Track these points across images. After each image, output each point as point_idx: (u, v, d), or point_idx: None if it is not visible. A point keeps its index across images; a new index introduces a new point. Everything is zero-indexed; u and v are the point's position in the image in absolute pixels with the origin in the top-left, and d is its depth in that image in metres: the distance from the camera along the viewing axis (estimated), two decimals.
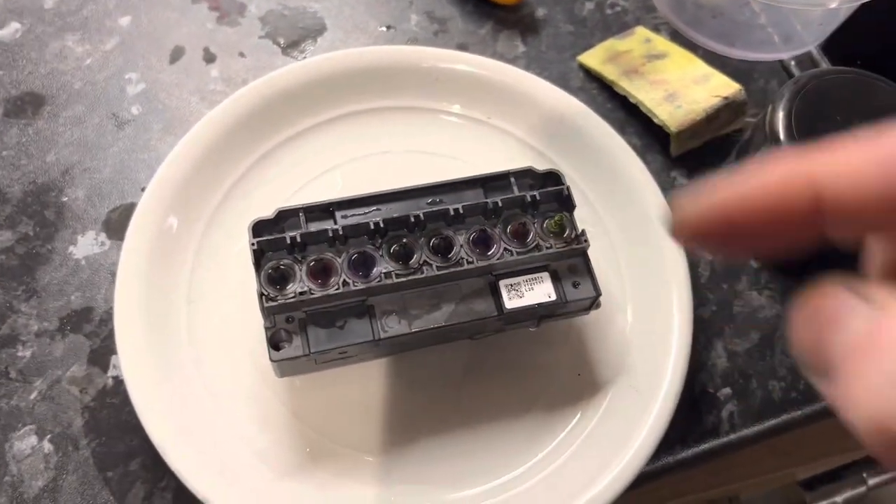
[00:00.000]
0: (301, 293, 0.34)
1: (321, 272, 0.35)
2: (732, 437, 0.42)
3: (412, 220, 0.36)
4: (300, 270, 0.35)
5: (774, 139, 0.41)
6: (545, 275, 0.37)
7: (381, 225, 0.36)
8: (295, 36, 0.52)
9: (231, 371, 0.39)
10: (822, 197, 0.15)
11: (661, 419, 0.38)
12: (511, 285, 0.37)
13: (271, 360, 0.34)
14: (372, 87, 0.46)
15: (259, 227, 0.36)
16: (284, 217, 0.36)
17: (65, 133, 0.47)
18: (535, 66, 0.52)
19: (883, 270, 0.17)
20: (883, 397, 0.13)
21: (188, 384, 0.38)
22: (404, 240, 0.36)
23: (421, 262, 0.36)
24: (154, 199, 0.41)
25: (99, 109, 0.48)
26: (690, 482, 0.51)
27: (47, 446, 0.38)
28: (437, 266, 0.36)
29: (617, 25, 0.54)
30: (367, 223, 0.36)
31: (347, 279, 0.35)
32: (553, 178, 0.39)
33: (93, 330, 0.41)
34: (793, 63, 0.53)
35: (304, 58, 0.51)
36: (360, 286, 0.35)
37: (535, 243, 0.37)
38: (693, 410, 0.42)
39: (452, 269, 0.36)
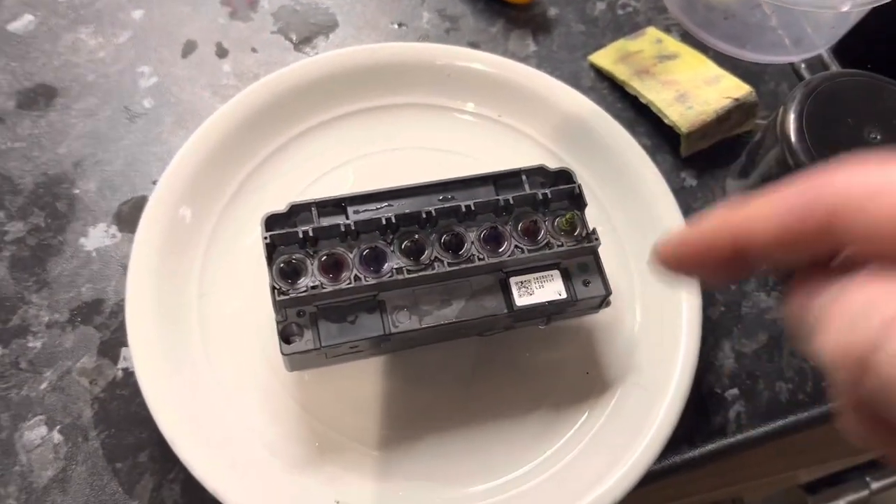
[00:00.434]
0: (313, 287, 0.34)
1: (333, 267, 0.35)
2: (739, 437, 0.42)
3: (424, 216, 0.36)
4: (312, 265, 0.35)
5: (785, 141, 0.41)
6: (555, 272, 0.37)
7: (393, 221, 0.36)
8: (307, 32, 0.52)
9: (241, 364, 0.39)
10: (739, 239, 0.20)
11: (669, 419, 0.38)
12: (521, 283, 0.37)
13: (282, 353, 0.34)
14: (384, 83, 0.46)
15: (271, 221, 0.36)
16: (297, 211, 0.36)
17: (77, 125, 0.47)
18: (546, 65, 0.52)
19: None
20: (843, 332, 0.17)
21: (198, 377, 0.38)
22: (416, 236, 0.36)
23: (432, 258, 0.36)
24: (167, 191, 0.41)
25: (111, 102, 0.48)
26: (696, 483, 0.51)
27: (57, 437, 0.38)
28: (447, 262, 0.36)
29: (628, 26, 0.54)
30: (379, 219, 0.36)
31: (359, 274, 0.35)
32: (564, 176, 0.39)
33: (103, 322, 0.41)
34: (803, 66, 0.53)
35: (316, 54, 0.51)
36: (372, 281, 0.35)
37: (545, 241, 0.37)
38: (700, 410, 0.42)
39: (463, 266, 0.36)
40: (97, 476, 0.38)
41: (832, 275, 0.19)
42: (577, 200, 0.38)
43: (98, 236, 0.43)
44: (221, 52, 0.50)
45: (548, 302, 0.36)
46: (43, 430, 0.38)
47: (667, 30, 0.54)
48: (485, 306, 0.36)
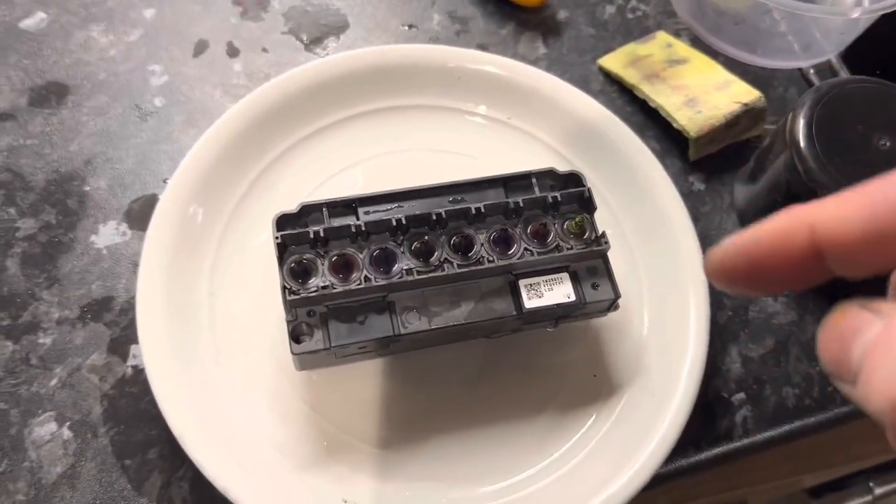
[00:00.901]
0: (323, 287, 0.35)
1: (343, 267, 0.35)
2: (745, 441, 0.42)
3: (434, 217, 0.36)
4: (322, 265, 0.35)
5: (794, 147, 0.42)
6: (565, 275, 0.37)
7: (403, 222, 0.36)
8: (317, 32, 0.52)
9: (250, 363, 0.39)
10: (819, 240, 0.18)
11: (676, 423, 0.38)
12: (530, 285, 0.37)
13: (292, 353, 0.34)
14: (394, 85, 0.47)
15: (282, 221, 0.36)
16: (308, 211, 0.36)
17: (88, 123, 0.47)
18: (555, 68, 0.52)
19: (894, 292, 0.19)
20: (894, 380, 0.15)
21: (208, 375, 0.38)
22: (426, 237, 0.36)
23: (442, 259, 0.36)
24: (178, 190, 0.41)
25: (122, 100, 0.48)
26: (701, 486, 0.51)
27: (66, 433, 0.39)
28: (457, 264, 0.36)
29: (638, 30, 0.54)
30: (390, 220, 0.36)
31: (369, 275, 0.35)
32: (574, 179, 0.39)
33: (113, 319, 0.41)
34: (812, 71, 0.53)
35: (327, 54, 0.51)
36: (382, 282, 0.35)
37: (555, 244, 0.37)
38: (707, 414, 0.42)
39: (473, 268, 0.36)
40: (106, 473, 0.38)
41: (870, 307, 0.17)
42: (586, 204, 0.38)
43: (108, 234, 0.44)
44: (232, 52, 0.50)
45: (557, 305, 0.37)
46: (52, 426, 0.39)
47: (676, 34, 0.54)
48: (494, 308, 0.36)
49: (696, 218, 0.46)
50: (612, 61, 0.52)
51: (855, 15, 0.47)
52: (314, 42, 0.52)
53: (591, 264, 0.38)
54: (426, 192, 0.38)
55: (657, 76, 0.50)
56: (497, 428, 0.39)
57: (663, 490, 0.41)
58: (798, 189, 0.42)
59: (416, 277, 0.35)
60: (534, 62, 0.51)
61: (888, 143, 0.41)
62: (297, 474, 0.37)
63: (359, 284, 0.35)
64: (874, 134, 0.42)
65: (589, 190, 0.38)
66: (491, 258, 0.36)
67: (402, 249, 0.36)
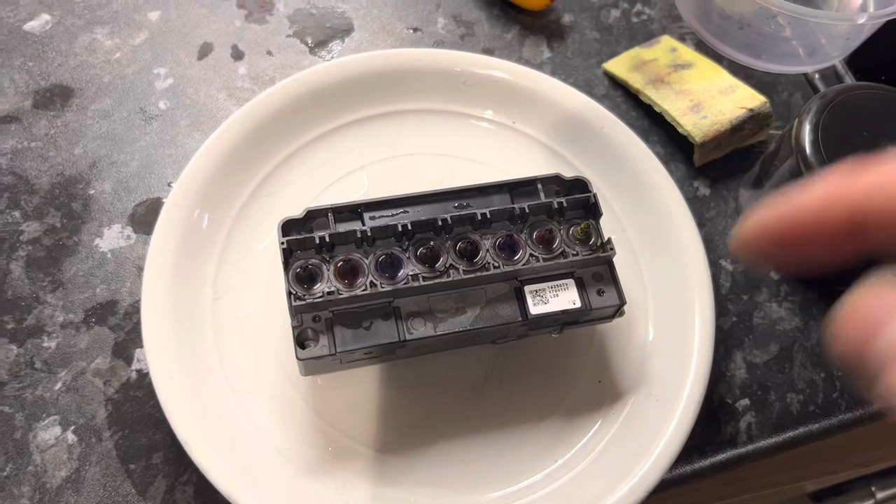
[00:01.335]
0: (329, 293, 0.35)
1: (349, 273, 0.35)
2: (750, 448, 0.42)
3: (439, 223, 0.36)
4: (328, 270, 0.35)
5: (801, 152, 0.41)
6: (570, 282, 0.37)
7: (409, 227, 0.36)
8: (322, 35, 0.52)
9: (255, 368, 0.39)
10: (859, 211, 0.17)
11: (682, 429, 0.38)
12: (536, 291, 0.37)
13: (298, 358, 0.34)
14: (399, 89, 0.47)
15: (288, 226, 0.36)
16: (313, 217, 0.36)
17: (93, 126, 0.47)
18: (560, 72, 0.52)
19: None
20: None
21: (212, 380, 0.38)
22: (431, 243, 0.36)
23: (447, 265, 0.36)
24: (183, 194, 0.41)
25: (127, 103, 0.48)
26: (704, 492, 0.51)
27: (71, 437, 0.38)
28: (462, 270, 0.36)
29: (642, 34, 0.54)
30: (395, 225, 0.36)
31: (374, 280, 0.35)
32: (579, 185, 0.39)
33: (117, 323, 0.41)
34: (817, 77, 0.53)
35: (332, 58, 0.51)
36: (387, 288, 0.35)
37: (560, 250, 0.37)
38: (711, 421, 0.42)
39: (478, 274, 0.36)
40: (111, 477, 0.38)
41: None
42: (592, 209, 0.38)
43: (113, 237, 0.44)
44: (237, 55, 0.50)
45: (562, 311, 0.36)
46: (57, 430, 0.39)
47: (681, 38, 0.54)
48: (499, 314, 0.36)
49: (700, 223, 0.46)
50: (617, 65, 0.52)
51: (861, 20, 0.47)
52: (319, 45, 0.52)
53: (597, 270, 0.38)
54: (432, 198, 0.38)
55: (662, 81, 0.50)
56: (502, 434, 0.39)
57: (666, 496, 0.41)
58: None
59: (422, 283, 0.35)
60: (538, 66, 0.51)
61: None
62: (302, 480, 0.37)
63: (364, 290, 0.35)
64: (880, 140, 0.42)
65: (595, 195, 0.38)
66: (496, 264, 0.36)
67: (407, 255, 0.36)
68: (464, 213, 0.37)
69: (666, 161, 0.48)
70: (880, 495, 0.72)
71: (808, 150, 0.41)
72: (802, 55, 0.53)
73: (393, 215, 0.37)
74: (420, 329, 0.36)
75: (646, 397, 0.40)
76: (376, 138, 0.46)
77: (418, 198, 0.38)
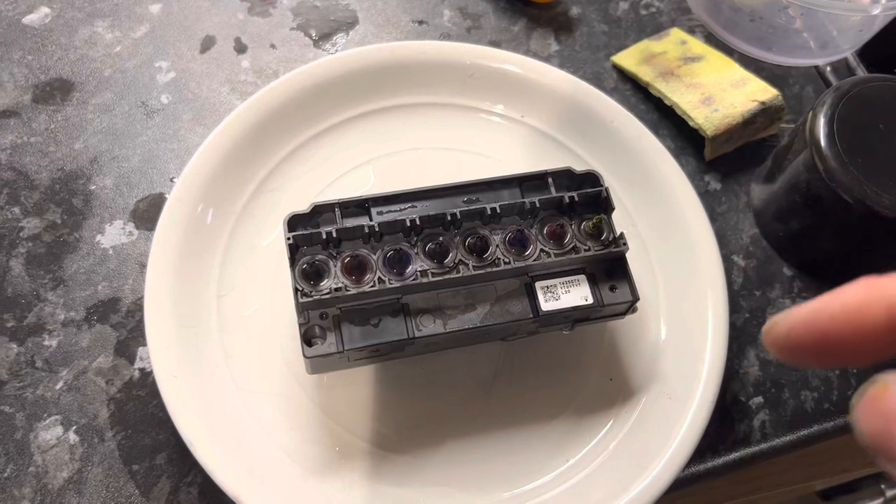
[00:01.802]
0: (336, 289, 0.34)
1: (356, 269, 0.35)
2: (764, 446, 0.41)
3: (448, 218, 0.35)
4: (335, 266, 0.34)
5: (815, 146, 0.41)
6: (582, 277, 0.36)
7: (417, 222, 0.35)
8: (326, 28, 0.51)
9: (260, 366, 0.39)
10: None
11: (695, 428, 0.37)
12: (547, 287, 0.36)
13: (304, 356, 0.33)
14: (405, 82, 0.46)
15: (294, 222, 0.35)
16: (319, 212, 0.36)
17: (93, 120, 0.46)
18: (568, 65, 0.51)
19: None
20: None
21: (217, 379, 0.37)
22: (440, 238, 0.35)
23: (456, 261, 0.35)
24: (186, 189, 0.40)
25: (128, 97, 0.47)
26: (716, 490, 0.51)
27: (73, 437, 0.38)
28: (472, 265, 0.35)
29: (651, 26, 0.54)
30: (403, 220, 0.35)
31: (382, 276, 0.34)
32: (591, 179, 0.38)
33: (119, 321, 0.41)
34: (828, 69, 0.53)
35: (336, 51, 0.50)
36: (395, 284, 0.34)
37: (572, 245, 0.36)
38: (724, 419, 0.41)
39: (488, 269, 0.35)
40: (113, 478, 0.37)
41: None
42: (604, 204, 0.37)
43: (114, 234, 0.43)
44: (240, 48, 0.50)
45: (574, 307, 0.36)
46: (58, 430, 0.38)
47: (690, 31, 0.53)
48: (510, 311, 0.36)
49: (712, 218, 0.45)
50: (626, 58, 0.51)
51: (875, 12, 0.46)
52: (323, 38, 0.51)
53: (609, 266, 0.37)
54: (440, 192, 0.37)
55: (672, 74, 0.49)
56: (512, 432, 0.39)
57: (677, 496, 0.40)
58: (818, 189, 0.41)
59: (431, 279, 0.35)
60: (546, 59, 0.51)
61: None
62: (309, 480, 0.36)
63: (372, 286, 0.34)
64: (895, 133, 0.41)
65: (606, 190, 0.37)
66: (507, 259, 0.36)
67: (415, 250, 0.35)
68: (473, 207, 0.36)
69: (676, 155, 0.47)
70: (890, 493, 0.71)
71: (822, 143, 0.41)
72: (814, 47, 0.52)
73: (401, 210, 0.36)
74: (429, 326, 0.35)
75: (658, 395, 0.39)
76: (382, 132, 0.45)
77: (426, 192, 0.37)
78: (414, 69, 0.46)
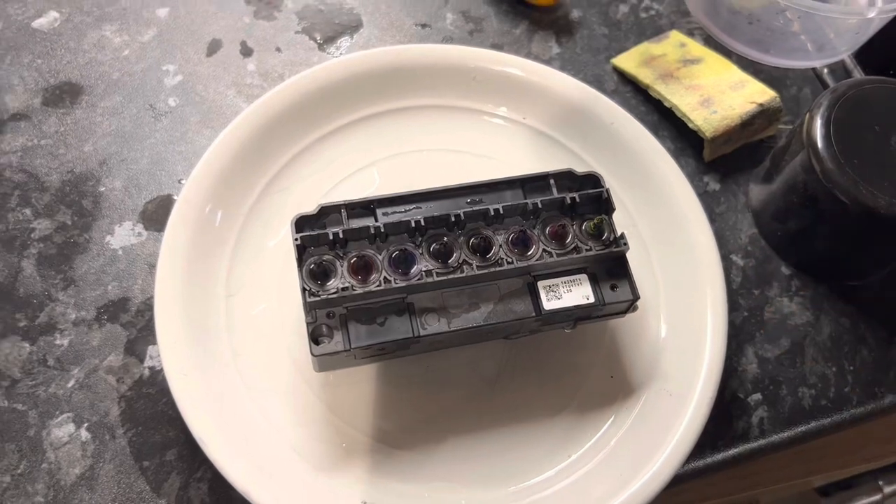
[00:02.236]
0: (343, 289, 0.34)
1: (362, 269, 0.35)
2: (762, 442, 0.42)
3: (452, 219, 0.36)
4: (341, 266, 0.35)
5: (812, 147, 0.41)
6: (583, 276, 0.37)
7: (422, 223, 0.36)
8: (331, 32, 0.52)
9: (268, 365, 0.39)
10: None
11: (695, 424, 0.38)
12: (549, 286, 0.37)
13: (312, 354, 0.34)
14: (410, 85, 0.47)
15: (301, 223, 0.36)
16: (326, 213, 0.36)
17: (102, 123, 0.47)
18: (569, 67, 0.52)
19: None
20: None
21: (226, 377, 0.38)
22: (444, 238, 0.36)
23: (460, 261, 0.36)
24: (195, 191, 0.41)
25: (136, 100, 0.48)
26: (714, 487, 0.51)
27: (84, 434, 0.39)
28: (476, 265, 0.36)
29: (651, 29, 0.54)
30: (408, 221, 0.36)
31: (388, 276, 0.35)
32: (592, 180, 0.39)
33: (129, 320, 0.41)
34: (825, 71, 0.53)
35: (341, 54, 0.51)
36: (401, 283, 0.35)
37: (573, 245, 0.37)
38: (723, 415, 0.42)
39: (491, 269, 0.36)
40: (124, 474, 0.38)
41: None
42: (605, 205, 0.38)
43: (124, 235, 0.44)
44: (246, 52, 0.50)
45: (576, 306, 0.36)
46: (70, 427, 0.39)
47: (690, 33, 0.54)
48: (513, 310, 0.36)
49: (711, 218, 0.46)
50: (626, 61, 0.52)
51: (871, 15, 0.47)
52: (328, 41, 0.52)
53: (610, 265, 0.38)
54: (444, 194, 0.38)
55: (671, 76, 0.50)
56: (515, 429, 0.39)
57: (677, 491, 0.41)
58: (815, 189, 0.42)
59: (436, 279, 0.35)
60: (547, 62, 0.51)
61: None
62: (317, 476, 0.37)
63: (378, 286, 0.35)
64: (892, 135, 0.42)
65: (607, 191, 0.38)
66: (510, 259, 0.36)
67: (420, 251, 0.36)
68: (477, 208, 0.37)
69: (676, 156, 0.47)
70: (888, 489, 0.72)
71: (819, 144, 0.41)
72: (811, 50, 0.53)
73: (406, 211, 0.37)
74: (434, 325, 0.36)
75: (658, 392, 0.40)
76: (386, 135, 0.46)
77: (431, 193, 0.38)
78: (418, 72, 0.47)
